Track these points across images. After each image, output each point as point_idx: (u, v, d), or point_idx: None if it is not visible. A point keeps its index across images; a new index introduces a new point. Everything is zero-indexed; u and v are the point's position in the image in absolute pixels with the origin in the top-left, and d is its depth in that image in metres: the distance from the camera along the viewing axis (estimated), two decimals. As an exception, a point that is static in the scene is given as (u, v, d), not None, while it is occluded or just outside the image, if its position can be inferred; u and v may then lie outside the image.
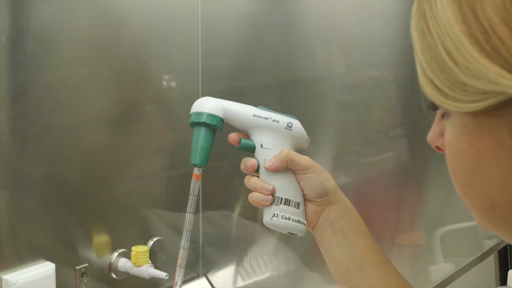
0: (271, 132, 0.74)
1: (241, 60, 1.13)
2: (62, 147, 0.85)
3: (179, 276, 0.71)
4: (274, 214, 0.72)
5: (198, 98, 0.74)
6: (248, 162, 0.73)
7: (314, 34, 1.29)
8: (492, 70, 0.32)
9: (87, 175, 0.89)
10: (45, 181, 0.83)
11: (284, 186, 0.73)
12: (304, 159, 0.73)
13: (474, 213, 0.41)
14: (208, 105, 0.71)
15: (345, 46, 1.36)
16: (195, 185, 0.72)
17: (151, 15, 0.96)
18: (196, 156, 0.71)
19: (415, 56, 0.39)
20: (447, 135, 0.39)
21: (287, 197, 0.73)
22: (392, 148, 1.53)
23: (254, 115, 0.73)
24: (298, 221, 0.73)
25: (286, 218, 0.72)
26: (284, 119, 0.75)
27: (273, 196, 0.72)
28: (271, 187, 0.72)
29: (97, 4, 0.87)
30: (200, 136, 0.71)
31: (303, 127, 0.77)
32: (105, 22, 0.89)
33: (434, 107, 0.41)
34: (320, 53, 1.31)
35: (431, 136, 0.44)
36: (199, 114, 0.71)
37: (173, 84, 1.02)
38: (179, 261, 0.71)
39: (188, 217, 0.72)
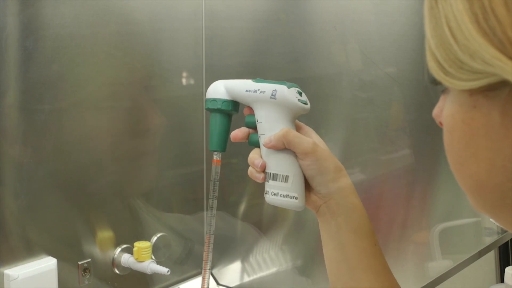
0: (260, 104, 0.68)
1: (247, 57, 1.12)
2: (65, 143, 0.86)
3: (209, 261, 0.72)
4: (266, 191, 0.68)
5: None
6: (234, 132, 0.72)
7: (327, 31, 1.28)
8: (487, 51, 0.33)
9: (91, 171, 0.90)
10: (47, 176, 0.84)
11: (274, 162, 0.67)
12: (304, 143, 0.65)
13: (466, 192, 0.41)
14: (220, 91, 0.71)
15: (361, 43, 1.35)
16: (216, 170, 0.72)
17: (154, 11, 0.96)
18: (213, 142, 0.71)
19: (425, 31, 0.39)
20: (444, 112, 0.40)
21: (274, 172, 0.67)
22: (409, 145, 1.51)
23: (246, 90, 0.69)
24: (287, 196, 0.67)
25: (274, 194, 0.67)
26: (269, 88, 0.67)
27: (264, 172, 0.68)
28: (260, 163, 0.68)
29: (100, 1, 0.88)
30: (217, 122, 0.71)
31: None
32: (107, 19, 0.90)
33: (435, 82, 0.41)
34: (336, 50, 1.30)
35: (436, 111, 0.44)
36: (213, 100, 0.71)
37: (177, 80, 1.03)
38: (207, 246, 0.72)
39: (212, 203, 0.72)
